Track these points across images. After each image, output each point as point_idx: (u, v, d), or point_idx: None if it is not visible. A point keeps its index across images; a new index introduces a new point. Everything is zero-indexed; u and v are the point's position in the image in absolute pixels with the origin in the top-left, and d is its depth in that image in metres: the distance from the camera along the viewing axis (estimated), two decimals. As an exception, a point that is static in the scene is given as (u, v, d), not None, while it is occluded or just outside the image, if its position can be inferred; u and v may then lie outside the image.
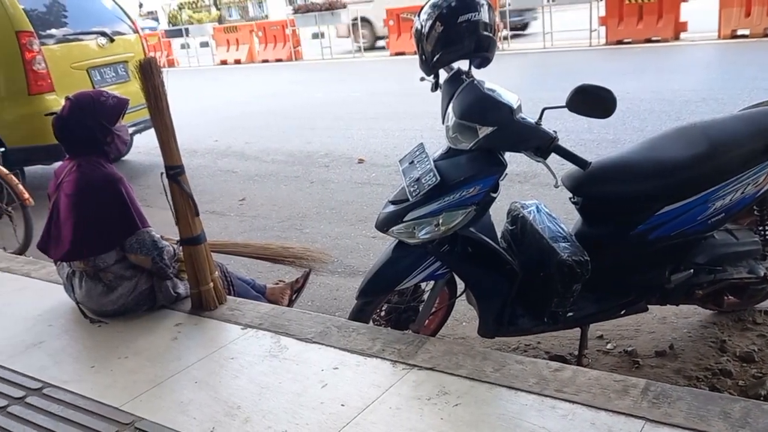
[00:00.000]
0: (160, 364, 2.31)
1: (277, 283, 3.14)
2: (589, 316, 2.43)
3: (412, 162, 2.36)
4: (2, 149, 4.90)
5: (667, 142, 2.41)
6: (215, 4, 37.39)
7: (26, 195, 4.33)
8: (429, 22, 2.25)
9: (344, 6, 16.17)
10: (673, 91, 7.16)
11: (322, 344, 2.31)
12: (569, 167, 2.28)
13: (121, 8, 6.91)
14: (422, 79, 2.51)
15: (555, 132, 2.16)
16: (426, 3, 2.33)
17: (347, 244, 4.14)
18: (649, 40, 11.16)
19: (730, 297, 2.64)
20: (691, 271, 2.40)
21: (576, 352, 2.56)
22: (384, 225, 2.35)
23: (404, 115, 7.82)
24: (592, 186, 2.37)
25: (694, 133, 2.39)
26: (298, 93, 10.73)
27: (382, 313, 2.62)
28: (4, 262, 3.54)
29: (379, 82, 11.02)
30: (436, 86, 2.47)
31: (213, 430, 1.91)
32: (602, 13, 11.84)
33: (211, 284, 2.67)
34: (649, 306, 2.48)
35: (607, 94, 2.07)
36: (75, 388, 2.22)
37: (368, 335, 2.32)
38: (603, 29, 11.80)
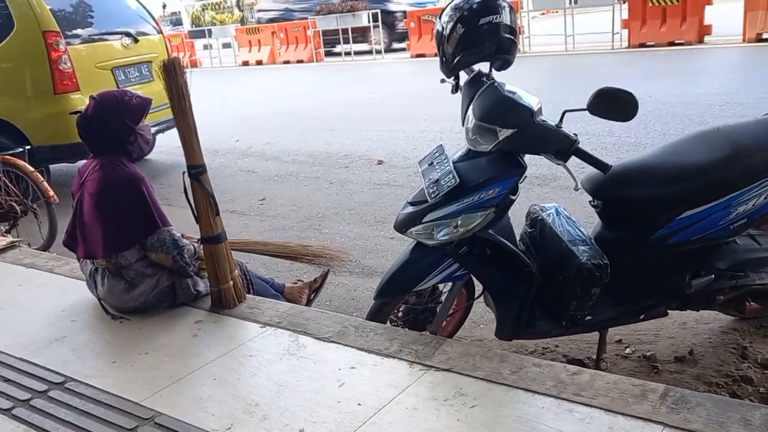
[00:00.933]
0: (180, 361, 2.34)
1: (296, 283, 3.16)
2: (607, 320, 2.41)
3: (432, 163, 2.37)
4: (28, 147, 4.97)
5: (690, 145, 2.39)
6: (238, 6, 37.64)
7: (51, 192, 4.40)
8: (450, 25, 2.26)
9: (365, 8, 16.21)
10: (697, 95, 7.08)
11: (340, 344, 2.32)
12: (589, 170, 2.27)
13: (146, 9, 6.99)
14: (443, 81, 2.51)
15: (575, 135, 2.15)
16: (447, 5, 2.34)
17: (365, 245, 4.15)
18: (672, 44, 11.04)
19: (751, 303, 2.60)
20: (713, 276, 2.38)
21: (594, 356, 2.54)
22: (402, 226, 2.35)
23: (424, 116, 7.82)
24: (613, 189, 2.36)
25: (717, 137, 2.37)
26: (319, 94, 10.77)
27: (400, 314, 2.63)
28: (29, 258, 3.60)
29: (400, 83, 11.04)
30: (456, 88, 2.47)
31: (231, 426, 1.93)
32: (625, 15, 11.74)
33: (231, 282, 2.69)
34: (669, 311, 2.46)
35: (629, 97, 2.06)
36: (96, 382, 2.25)
37: (386, 335, 2.33)
38: (625, 32, 11.70)
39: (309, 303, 3.02)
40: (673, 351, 2.64)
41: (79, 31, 6.07)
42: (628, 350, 2.69)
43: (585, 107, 2.10)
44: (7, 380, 2.33)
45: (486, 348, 2.36)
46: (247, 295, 2.79)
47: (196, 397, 2.10)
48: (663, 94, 7.23)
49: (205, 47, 20.04)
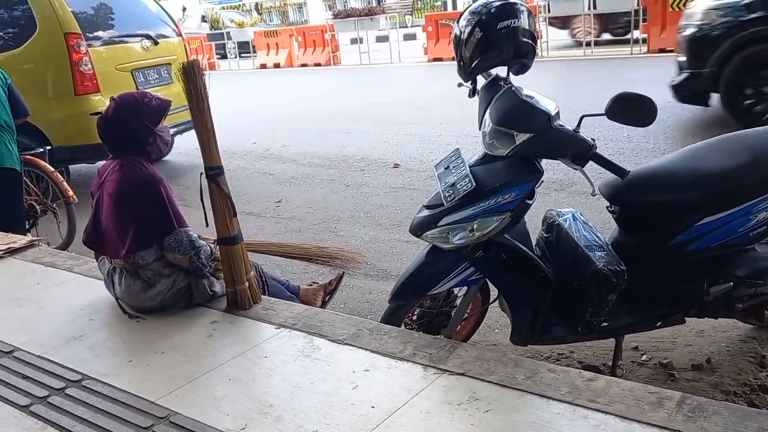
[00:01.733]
0: (196, 361, 2.35)
1: (311, 285, 3.17)
2: (624, 327, 2.40)
3: (448, 167, 2.37)
4: (49, 147, 5.04)
5: (709, 151, 2.37)
6: (256, 9, 37.90)
7: (70, 192, 4.46)
8: (468, 28, 2.26)
9: (383, 11, 16.25)
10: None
11: (354, 346, 2.32)
12: (607, 175, 2.26)
13: (166, 11, 7.07)
14: (460, 84, 2.51)
15: (593, 140, 2.14)
16: (465, 9, 2.35)
17: (381, 248, 4.16)
18: (691, 49, 10.94)
19: (771, 311, 2.58)
20: (731, 283, 2.35)
21: (610, 363, 2.53)
22: (418, 229, 2.35)
23: (440, 120, 7.81)
24: (630, 195, 2.34)
25: (737, 143, 2.34)
26: (336, 97, 10.81)
27: (414, 318, 2.63)
28: (48, 257, 3.64)
29: (416, 87, 11.04)
30: (473, 92, 2.47)
31: (245, 426, 1.94)
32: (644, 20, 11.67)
33: (247, 284, 2.71)
34: (686, 318, 2.44)
35: (648, 102, 2.05)
36: (113, 381, 2.27)
37: (400, 339, 2.33)
38: (645, 37, 11.62)
39: (324, 305, 3.03)
40: (690, 359, 2.61)
41: (100, 33, 6.15)
42: (644, 357, 2.67)
43: (603, 112, 2.09)
44: (25, 377, 2.36)
45: (501, 353, 2.35)
46: (262, 296, 2.80)
47: (211, 396, 2.11)
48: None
49: (223, 53, 20.19)
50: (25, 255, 3.71)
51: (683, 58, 5.98)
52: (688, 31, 5.96)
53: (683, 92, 6.04)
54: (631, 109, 2.08)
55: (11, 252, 3.73)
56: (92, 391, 2.22)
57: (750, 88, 5.55)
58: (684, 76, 5.95)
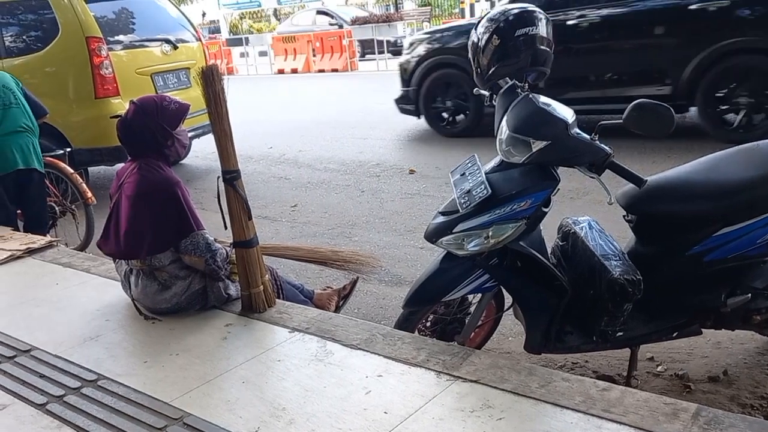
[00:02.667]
0: (210, 363, 2.37)
1: (325, 289, 3.18)
2: (639, 337, 2.38)
3: (464, 174, 2.37)
4: (69, 149, 5.11)
5: (728, 161, 2.35)
6: (275, 15, 38.16)
7: (89, 194, 4.52)
8: (486, 36, 2.26)
9: (401, 18, 16.30)
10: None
11: (368, 351, 2.33)
12: (624, 184, 2.25)
13: (185, 16, 7.14)
14: (477, 91, 2.51)
15: (610, 148, 2.13)
16: (483, 16, 2.35)
17: (395, 254, 4.16)
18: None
19: (789, 324, 2.54)
20: (749, 295, 2.32)
21: (625, 373, 2.51)
22: (433, 235, 2.36)
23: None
24: (648, 204, 2.33)
25: (756, 153, 2.32)
26: (352, 103, 10.84)
27: (428, 324, 2.63)
28: (66, 258, 3.68)
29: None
30: (490, 99, 2.47)
31: (258, 429, 1.95)
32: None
33: (262, 287, 2.72)
34: (703, 330, 2.42)
35: (666, 111, 2.04)
36: (128, 381, 2.29)
37: (413, 345, 2.33)
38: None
39: (337, 310, 3.04)
40: (706, 371, 2.59)
41: (120, 37, 6.22)
42: (660, 368, 2.64)
43: (621, 121, 2.08)
44: (42, 376, 2.38)
45: (514, 361, 2.34)
46: (276, 300, 2.81)
47: (225, 399, 2.13)
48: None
49: (242, 55, 20.34)
50: (44, 255, 3.76)
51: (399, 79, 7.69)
52: (401, 58, 7.76)
53: (400, 106, 7.74)
54: (649, 118, 2.07)
55: (30, 252, 3.78)
56: (107, 391, 2.24)
57: (441, 103, 7.36)
58: (400, 93, 7.67)
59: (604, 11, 6.13)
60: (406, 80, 7.55)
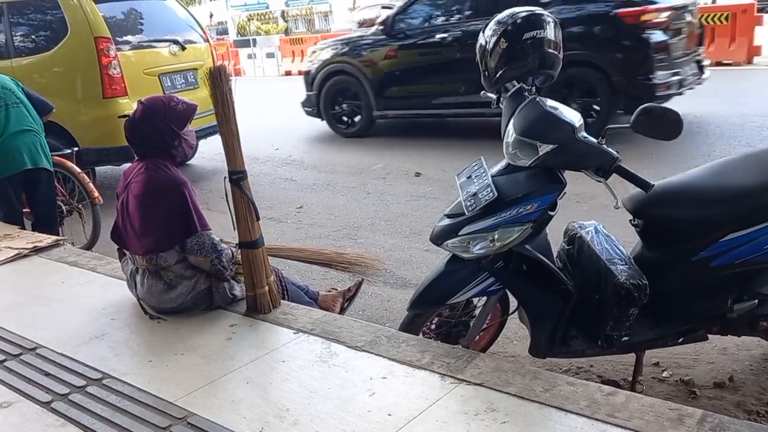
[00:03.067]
0: (214, 363, 2.37)
1: (330, 291, 3.18)
2: (645, 342, 2.37)
3: (470, 176, 2.37)
4: (76, 149, 5.13)
5: (735, 167, 2.34)
6: (282, 17, 38.28)
7: (96, 194, 4.53)
8: (494, 38, 2.26)
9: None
10: (744, 116, 6.93)
11: (372, 353, 2.33)
12: (631, 188, 2.24)
13: (194, 17, 7.16)
14: (484, 94, 2.51)
15: (617, 152, 2.13)
16: (491, 19, 2.35)
17: (400, 256, 4.16)
18: (720, 63, 10.82)
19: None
20: (756, 301, 2.31)
21: (630, 378, 2.50)
22: (439, 238, 2.35)
23: (463, 129, 7.81)
24: (654, 209, 2.32)
25: (763, 159, 2.31)
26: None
27: (433, 326, 2.62)
28: (73, 257, 3.70)
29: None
30: (497, 102, 2.47)
31: (262, 430, 1.95)
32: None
33: (267, 288, 2.72)
34: (709, 335, 2.41)
35: (674, 115, 2.04)
36: (133, 380, 2.30)
37: (418, 347, 2.33)
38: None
39: (342, 311, 3.04)
40: (712, 376, 2.57)
41: (129, 37, 6.25)
42: (665, 374, 2.63)
43: (628, 125, 2.08)
44: (47, 374, 2.39)
45: (519, 364, 2.34)
46: (281, 301, 2.81)
47: (229, 399, 2.13)
48: (709, 114, 7.09)
49: (250, 56, 20.38)
50: (51, 254, 3.77)
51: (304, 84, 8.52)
52: (304, 65, 8.80)
53: (304, 108, 8.56)
54: (657, 123, 2.07)
55: (37, 251, 3.80)
56: (112, 389, 2.25)
57: (338, 106, 8.20)
58: (305, 97, 8.48)
59: (463, 32, 6.99)
60: (309, 85, 8.39)
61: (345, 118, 8.22)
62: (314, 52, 8.59)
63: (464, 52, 6.82)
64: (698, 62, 7.00)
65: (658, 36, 6.19)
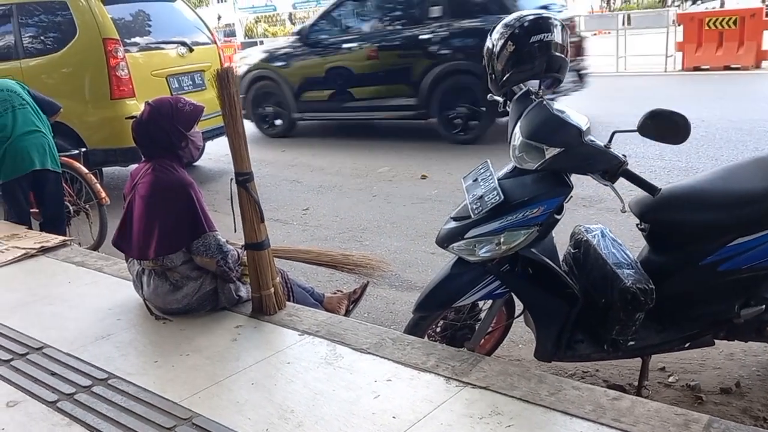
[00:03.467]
0: (220, 364, 2.37)
1: (335, 293, 3.18)
2: (651, 347, 2.36)
3: (476, 179, 2.36)
4: (84, 149, 5.15)
5: (744, 172, 2.33)
6: (290, 19, 38.36)
7: (103, 194, 4.55)
8: (501, 42, 2.26)
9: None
10: (752, 121, 6.90)
11: (377, 355, 2.32)
12: (637, 192, 2.24)
13: (201, 19, 7.18)
14: (490, 97, 2.51)
15: (624, 156, 2.12)
16: (498, 22, 2.35)
17: (406, 259, 4.16)
18: (728, 68, 10.80)
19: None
20: (763, 306, 2.30)
21: (636, 383, 2.49)
22: (445, 241, 2.35)
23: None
24: (662, 213, 2.31)
25: (772, 164, 2.30)
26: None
27: (438, 329, 2.62)
28: (79, 257, 3.71)
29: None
30: (504, 105, 2.47)
31: (267, 431, 1.95)
32: (679, 38, 11.53)
33: (272, 289, 2.73)
34: (715, 341, 2.39)
35: (681, 120, 2.03)
36: (138, 380, 2.30)
37: (423, 350, 2.32)
38: (679, 55, 11.48)
39: (347, 313, 3.04)
40: (718, 382, 2.56)
41: (137, 39, 6.27)
42: (671, 379, 2.62)
43: (635, 129, 2.07)
44: (53, 374, 2.40)
45: (524, 368, 2.33)
46: (287, 302, 2.82)
47: (234, 400, 2.13)
48: (716, 118, 7.06)
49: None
50: (57, 254, 3.79)
51: None
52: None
53: None
54: (664, 127, 2.06)
55: (44, 250, 3.81)
56: (118, 389, 2.26)
57: (263, 109, 8.79)
58: None
59: (369, 42, 7.87)
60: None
61: (269, 120, 8.86)
62: (243, 57, 9.42)
63: (371, 59, 7.78)
64: (578, 71, 7.72)
65: None
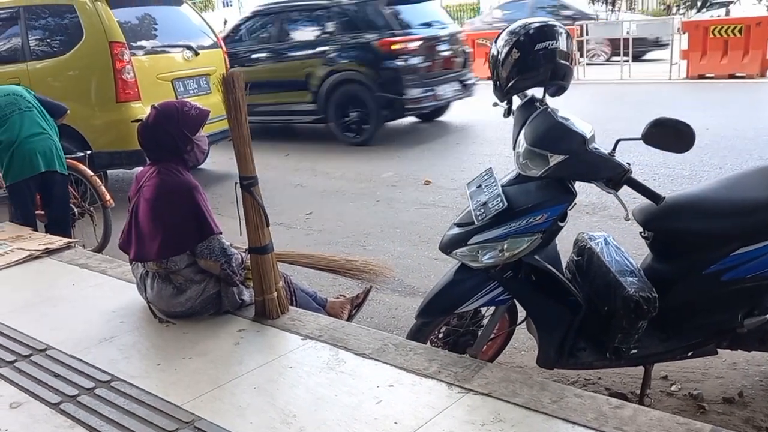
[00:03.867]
0: (222, 367, 2.38)
1: (338, 298, 3.18)
2: (654, 355, 2.36)
3: (480, 186, 2.37)
4: (89, 152, 5.17)
5: (748, 181, 2.33)
6: (295, 23, 38.45)
7: (108, 197, 4.56)
8: (506, 49, 2.27)
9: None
10: (757, 130, 6.89)
11: (379, 361, 2.33)
12: (641, 200, 2.24)
13: (207, 23, 7.21)
14: (495, 104, 2.52)
15: (628, 164, 2.13)
16: (503, 29, 2.36)
17: (409, 264, 4.16)
18: (732, 76, 10.77)
19: (807, 347, 2.51)
20: (766, 316, 2.30)
21: (638, 391, 2.49)
22: (448, 247, 2.35)
23: (474, 139, 7.81)
24: (665, 221, 2.31)
25: (776, 173, 2.30)
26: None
27: (440, 335, 2.62)
28: (84, 259, 3.72)
29: (451, 105, 11.04)
30: (508, 112, 2.47)
31: (268, 436, 1.95)
32: (684, 46, 11.53)
33: (275, 293, 2.73)
34: (718, 350, 2.39)
35: (686, 128, 2.03)
36: (141, 383, 2.31)
37: (425, 356, 2.32)
38: (684, 62, 11.48)
39: (350, 318, 3.04)
40: (721, 391, 2.56)
41: (143, 42, 6.30)
42: (673, 387, 2.62)
43: (640, 137, 2.08)
44: (57, 375, 2.41)
45: (526, 375, 2.33)
46: (290, 307, 2.82)
47: (236, 404, 2.13)
48: (721, 127, 7.05)
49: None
50: (62, 256, 3.80)
51: None
52: None
53: None
54: (669, 135, 2.06)
55: (48, 252, 3.83)
56: (120, 392, 2.26)
57: None
58: None
59: (274, 53, 8.68)
60: None
61: None
62: None
63: (275, 69, 8.58)
64: (461, 81, 8.51)
65: (408, 61, 7.77)
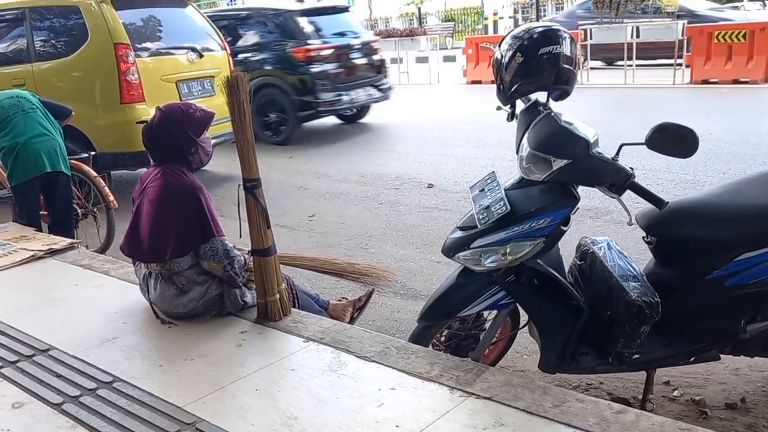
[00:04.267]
0: (224, 369, 2.38)
1: (341, 300, 3.18)
2: (656, 360, 2.35)
3: (483, 190, 2.37)
4: (93, 153, 5.18)
5: (752, 186, 2.33)
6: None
7: (111, 198, 4.57)
8: (510, 53, 2.27)
9: (424, 33, 16.35)
10: (761, 135, 6.88)
11: (381, 364, 2.33)
12: (644, 205, 2.24)
13: (212, 26, 7.22)
14: (498, 108, 2.52)
15: (632, 169, 2.12)
16: (507, 34, 2.36)
17: (411, 267, 4.16)
18: (737, 81, 10.77)
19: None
20: (769, 322, 2.30)
21: (640, 396, 2.48)
22: (450, 250, 2.35)
23: (476, 143, 7.81)
24: (668, 226, 2.31)
25: (780, 179, 2.30)
26: (373, 115, 10.88)
27: (442, 339, 2.62)
28: (87, 260, 3.73)
29: (454, 109, 11.06)
30: (512, 116, 2.48)
31: (269, 438, 1.95)
32: (688, 51, 11.52)
33: (278, 296, 2.73)
34: (721, 355, 2.39)
35: (690, 133, 2.03)
36: (143, 384, 2.31)
37: (427, 359, 2.32)
38: (688, 68, 11.46)
39: (352, 321, 3.04)
40: (723, 397, 2.55)
41: (147, 44, 6.31)
42: (676, 393, 2.61)
43: (643, 141, 2.08)
44: (59, 376, 2.41)
45: (528, 379, 2.33)
46: (292, 309, 2.82)
47: (238, 406, 2.14)
48: (725, 132, 7.04)
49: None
50: (65, 256, 3.81)
51: None
52: None
53: None
54: (672, 140, 2.06)
55: (52, 253, 3.83)
56: (122, 393, 2.27)
57: None
58: None
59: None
60: None
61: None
62: None
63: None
64: (376, 86, 9.29)
65: (320, 67, 8.49)
